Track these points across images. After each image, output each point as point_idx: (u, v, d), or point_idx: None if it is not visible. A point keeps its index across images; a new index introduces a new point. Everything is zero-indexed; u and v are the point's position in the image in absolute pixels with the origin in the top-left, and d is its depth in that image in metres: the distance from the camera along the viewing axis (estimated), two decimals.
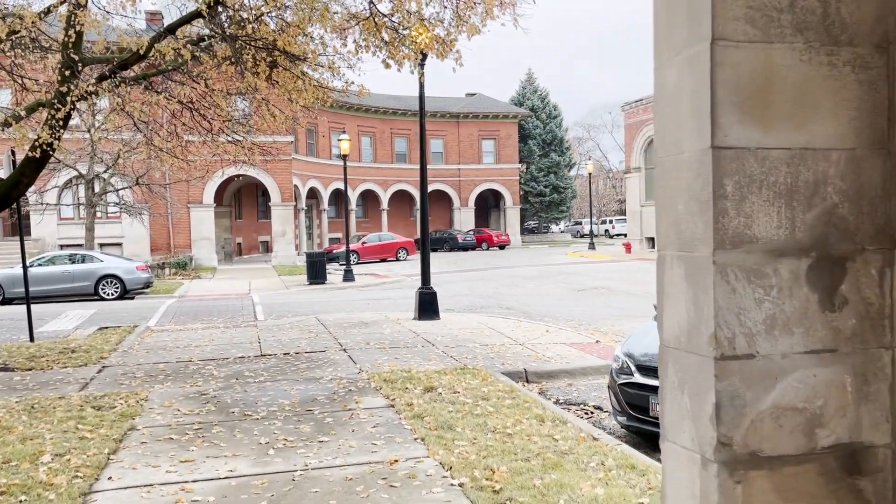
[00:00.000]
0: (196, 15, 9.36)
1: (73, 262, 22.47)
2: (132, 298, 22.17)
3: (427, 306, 13.70)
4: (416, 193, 49.38)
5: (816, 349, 2.01)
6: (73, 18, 8.93)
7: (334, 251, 37.14)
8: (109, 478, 5.17)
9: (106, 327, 14.33)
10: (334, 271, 28.85)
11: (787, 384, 1.99)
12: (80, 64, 9.33)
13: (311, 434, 6.12)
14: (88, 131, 23.06)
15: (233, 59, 9.65)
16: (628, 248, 38.88)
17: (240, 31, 9.39)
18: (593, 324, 13.49)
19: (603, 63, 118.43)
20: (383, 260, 38.71)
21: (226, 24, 9.79)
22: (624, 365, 6.33)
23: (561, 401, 7.92)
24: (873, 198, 2.02)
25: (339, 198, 47.72)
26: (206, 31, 10.22)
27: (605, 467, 4.85)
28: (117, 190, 28.38)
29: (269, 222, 39.07)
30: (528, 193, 58.88)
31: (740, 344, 1.96)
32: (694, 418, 2.07)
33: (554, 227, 70.89)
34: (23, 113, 9.86)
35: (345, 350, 10.52)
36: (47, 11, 9.54)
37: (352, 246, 31.44)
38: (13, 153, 11.37)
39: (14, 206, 11.62)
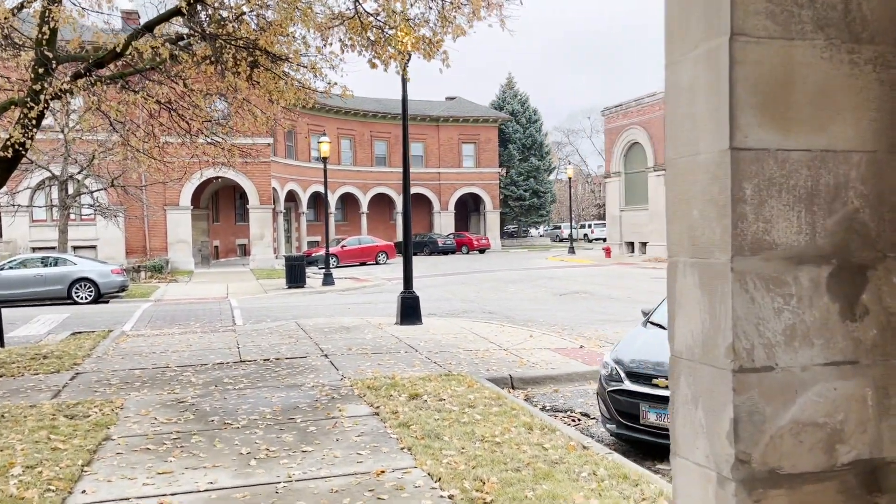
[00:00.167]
0: (175, 13, 9.15)
1: (46, 265, 22.03)
2: (107, 302, 21.78)
3: (409, 311, 13.54)
4: (396, 197, 49.22)
5: (837, 361, 1.92)
6: (47, 14, 8.69)
7: (313, 254, 36.84)
8: (83, 491, 4.97)
9: (79, 332, 14.00)
10: (313, 275, 28.58)
11: (807, 398, 1.90)
12: (54, 61, 9.08)
13: (294, 443, 5.95)
14: (62, 131, 22.63)
15: (212, 59, 9.45)
16: (608, 252, 39.04)
17: (220, 31, 9.19)
18: (577, 328, 13.44)
19: (583, 68, 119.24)
20: (363, 263, 38.47)
21: (205, 23, 9.59)
22: (613, 371, 6.24)
23: (548, 407, 7.82)
24: (895, 203, 1.94)
25: (318, 201, 47.40)
26: (186, 30, 10.01)
27: (597, 477, 4.75)
28: (92, 191, 27.85)
29: (247, 225, 38.65)
30: (507, 197, 58.99)
31: (759, 356, 1.87)
32: (709, 434, 1.96)
33: (533, 231, 71.10)
34: None
35: (326, 356, 10.34)
36: (20, 7, 9.29)
37: (331, 249, 31.17)
38: None
39: None
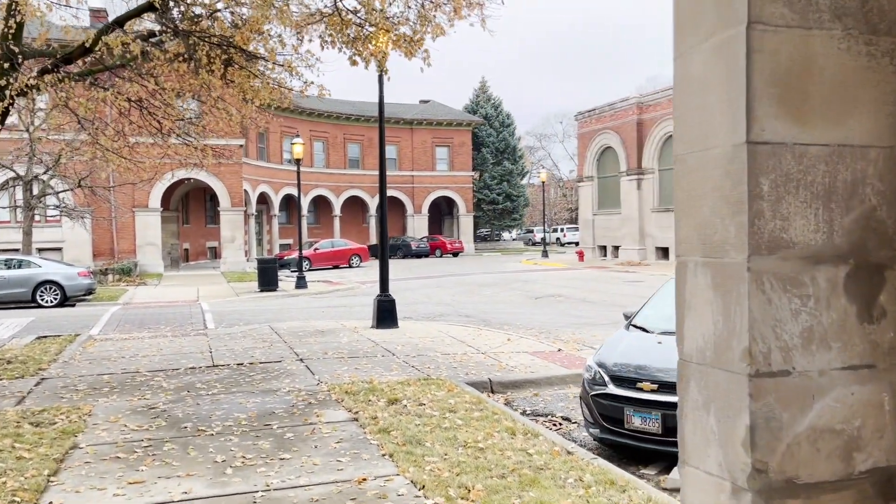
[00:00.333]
0: (147, 8, 8.91)
1: (9, 268, 21.44)
2: (73, 306, 21.25)
3: (386, 314, 13.38)
4: (369, 200, 48.96)
5: (854, 365, 1.85)
6: (13, 7, 8.40)
7: (285, 257, 36.42)
8: (50, 502, 4.74)
9: (45, 336, 13.58)
10: (286, 278, 28.23)
11: (824, 403, 1.82)
12: (20, 56, 8.78)
13: (271, 451, 5.77)
14: (27, 130, 22.06)
15: (185, 56, 9.22)
16: (581, 256, 39.24)
17: (193, 27, 8.97)
18: (553, 332, 13.39)
19: (555, 73, 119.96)
20: (336, 267, 38.15)
21: (178, 20, 9.35)
22: (597, 375, 6.16)
23: (528, 412, 7.72)
24: None
25: (290, 203, 46.90)
26: (158, 27, 9.75)
27: (583, 483, 4.66)
28: (57, 192, 27.18)
29: (218, 228, 38.08)
30: (481, 201, 59.05)
31: (776, 359, 1.78)
32: (722, 442, 1.87)
33: (506, 235, 71.23)
34: None
35: (302, 360, 10.14)
36: None
37: (304, 252, 30.84)
38: None
39: None
